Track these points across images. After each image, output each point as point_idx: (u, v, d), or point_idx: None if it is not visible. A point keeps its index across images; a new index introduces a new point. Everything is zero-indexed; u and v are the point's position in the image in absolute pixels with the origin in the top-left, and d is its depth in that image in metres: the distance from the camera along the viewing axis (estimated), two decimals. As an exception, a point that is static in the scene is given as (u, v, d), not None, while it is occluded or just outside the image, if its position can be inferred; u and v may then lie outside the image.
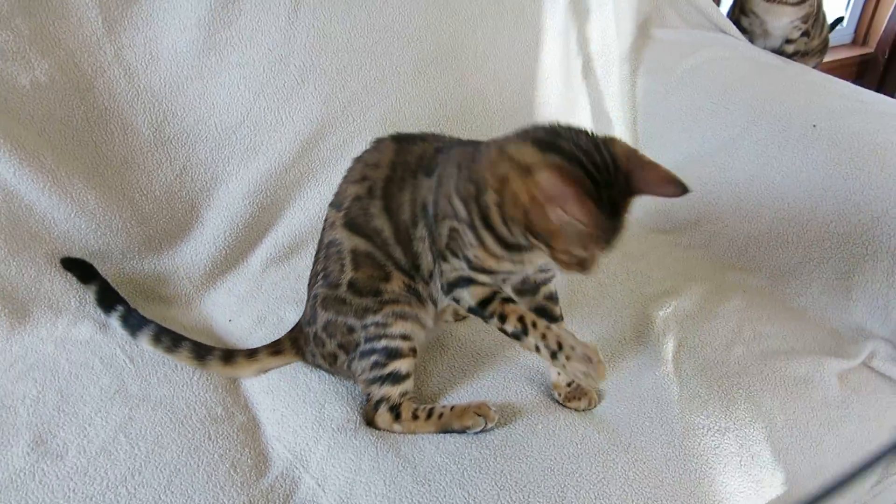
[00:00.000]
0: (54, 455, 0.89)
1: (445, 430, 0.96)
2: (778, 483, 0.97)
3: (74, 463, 0.88)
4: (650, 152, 1.46)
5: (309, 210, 1.27)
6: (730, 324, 1.16)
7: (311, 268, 1.06)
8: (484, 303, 0.93)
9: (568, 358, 0.87)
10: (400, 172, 0.97)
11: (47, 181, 1.09)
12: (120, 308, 1.07)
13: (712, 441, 0.97)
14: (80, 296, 1.11)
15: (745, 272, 1.32)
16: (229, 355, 1.04)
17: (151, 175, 1.19)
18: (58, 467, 0.88)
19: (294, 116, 1.26)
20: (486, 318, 0.94)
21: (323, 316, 1.00)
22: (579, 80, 1.54)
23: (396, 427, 0.97)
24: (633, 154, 0.82)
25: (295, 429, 0.96)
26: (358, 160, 1.02)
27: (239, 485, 0.88)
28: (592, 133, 0.83)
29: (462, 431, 0.95)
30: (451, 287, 0.94)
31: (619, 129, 1.55)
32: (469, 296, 0.93)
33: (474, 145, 0.93)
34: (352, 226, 0.98)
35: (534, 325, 0.90)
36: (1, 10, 1.05)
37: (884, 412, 1.11)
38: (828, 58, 2.19)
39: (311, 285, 1.05)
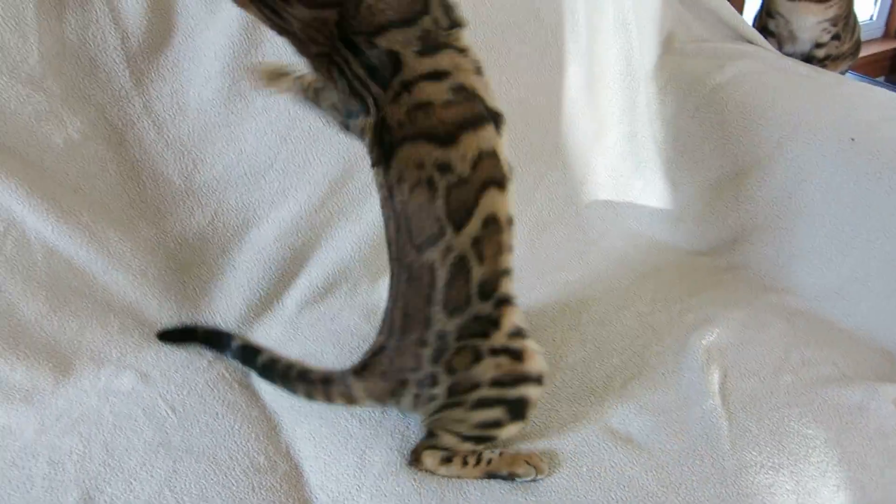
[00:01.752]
0: (102, 512, 0.90)
1: (492, 476, 0.94)
2: (838, 520, 0.94)
3: (122, 520, 0.89)
4: (682, 171, 1.47)
5: (341, 249, 1.27)
6: (776, 350, 1.13)
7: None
8: None
9: None
10: None
11: (84, 237, 1.11)
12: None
13: (766, 479, 0.94)
14: (120, 347, 1.12)
15: (787, 294, 1.29)
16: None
17: (184, 223, 1.20)
18: (106, 526, 0.88)
19: (321, 157, 1.26)
20: None
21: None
22: (606, 101, 1.52)
23: (442, 470, 0.95)
24: None
25: (338, 476, 0.96)
26: None
27: (284, 538, 0.88)
28: None
29: (510, 479, 0.94)
30: None
31: (649, 149, 1.53)
32: None
33: None
34: None
35: None
36: (34, 74, 1.07)
37: (945, 438, 1.07)
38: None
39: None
